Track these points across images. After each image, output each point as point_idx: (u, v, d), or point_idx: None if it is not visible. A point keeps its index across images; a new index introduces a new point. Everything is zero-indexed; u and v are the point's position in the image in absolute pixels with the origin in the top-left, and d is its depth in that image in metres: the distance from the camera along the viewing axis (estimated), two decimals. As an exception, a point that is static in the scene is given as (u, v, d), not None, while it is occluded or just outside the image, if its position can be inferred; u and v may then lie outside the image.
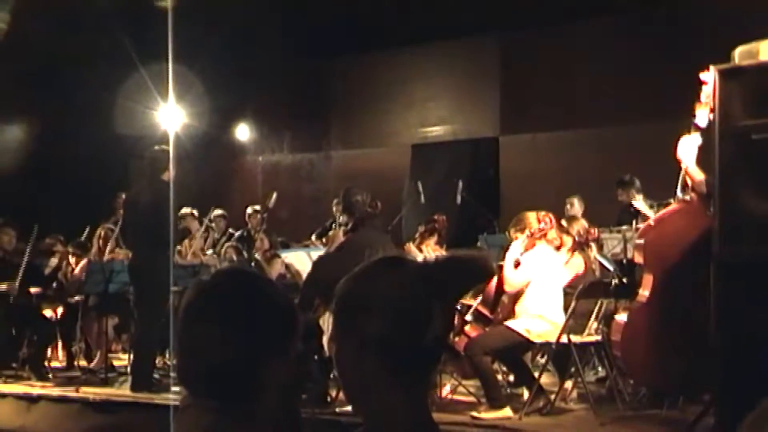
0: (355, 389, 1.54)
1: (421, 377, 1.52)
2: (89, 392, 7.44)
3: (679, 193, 5.53)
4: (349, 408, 6.03)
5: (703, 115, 5.19)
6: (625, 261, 7.26)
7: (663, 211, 5.88)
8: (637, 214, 7.69)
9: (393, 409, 1.49)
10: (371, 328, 1.48)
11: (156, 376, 7.61)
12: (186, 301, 1.72)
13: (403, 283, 1.51)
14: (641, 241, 5.64)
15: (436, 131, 12.83)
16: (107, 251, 9.03)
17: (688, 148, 5.30)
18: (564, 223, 7.04)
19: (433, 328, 1.48)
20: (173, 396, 6.53)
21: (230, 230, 10.72)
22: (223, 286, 1.74)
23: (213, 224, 10.18)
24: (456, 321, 7.14)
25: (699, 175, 5.33)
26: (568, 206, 9.03)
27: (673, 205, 5.67)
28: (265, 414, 1.70)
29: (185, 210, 9.98)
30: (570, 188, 10.42)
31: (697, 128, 5.25)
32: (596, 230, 7.35)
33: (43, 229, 9.60)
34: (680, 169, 5.41)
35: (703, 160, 5.23)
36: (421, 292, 1.49)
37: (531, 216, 6.59)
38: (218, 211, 10.24)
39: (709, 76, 5.18)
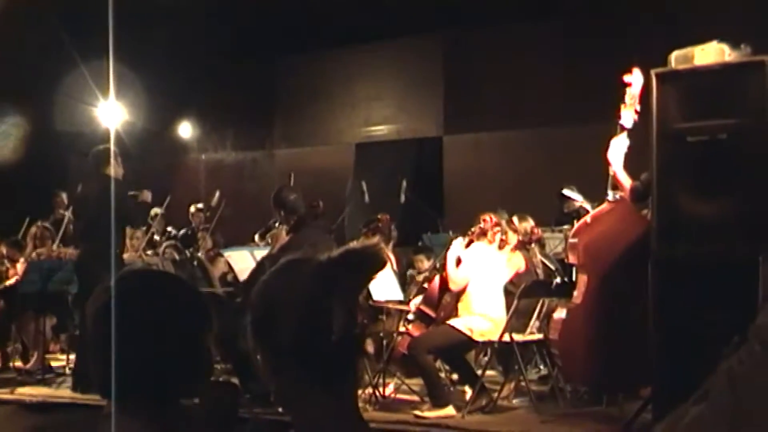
0: (281, 395, 1.54)
1: (341, 377, 1.52)
2: (25, 393, 7.29)
3: (609, 194, 5.63)
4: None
5: (627, 116, 5.32)
6: (566, 260, 7.36)
7: (594, 211, 5.97)
8: (576, 215, 7.79)
9: (319, 411, 1.49)
10: (280, 334, 1.48)
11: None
12: (93, 307, 1.69)
13: (301, 286, 1.50)
14: (575, 241, 5.73)
15: (380, 130, 12.85)
16: (47, 249, 8.85)
17: (616, 150, 5.41)
18: (515, 219, 7.13)
19: (336, 326, 1.47)
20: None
21: (169, 229, 10.61)
22: (127, 288, 1.71)
23: (153, 222, 10.06)
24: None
25: (626, 181, 5.44)
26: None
27: (605, 205, 5.76)
28: (195, 414, 1.69)
29: (157, 210, 9.91)
30: (513, 187, 10.54)
31: (623, 129, 5.38)
32: (539, 230, 7.46)
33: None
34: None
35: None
36: (318, 292, 1.49)
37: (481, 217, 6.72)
38: (156, 210, 10.12)
39: (633, 78, 5.31)
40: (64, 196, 10.74)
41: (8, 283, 8.69)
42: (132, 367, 1.64)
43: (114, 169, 7.46)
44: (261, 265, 6.65)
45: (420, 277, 8.00)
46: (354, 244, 1.60)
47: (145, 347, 1.65)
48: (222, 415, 1.94)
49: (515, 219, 7.19)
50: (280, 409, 6.04)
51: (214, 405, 1.91)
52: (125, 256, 8.41)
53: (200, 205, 11.00)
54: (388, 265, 6.72)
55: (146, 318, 1.67)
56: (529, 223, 7.20)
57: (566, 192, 7.66)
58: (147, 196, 8.85)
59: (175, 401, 1.70)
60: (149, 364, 1.65)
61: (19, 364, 8.69)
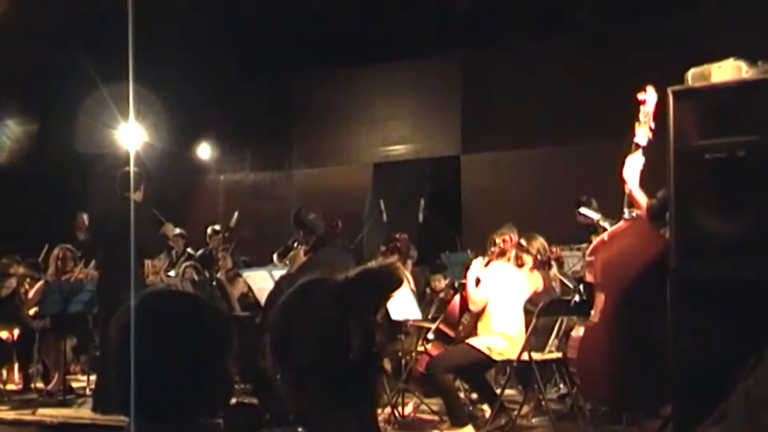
0: (301, 414, 1.55)
1: (360, 395, 1.52)
2: (46, 414, 7.33)
3: (626, 212, 5.61)
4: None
5: (642, 134, 5.32)
6: (584, 278, 7.33)
7: (611, 229, 5.95)
8: (593, 230, 7.77)
9: (339, 430, 1.50)
10: (299, 354, 1.49)
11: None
12: (117, 327, 1.71)
13: (318, 306, 1.51)
14: (591, 259, 5.71)
15: (398, 150, 12.88)
16: (71, 272, 8.91)
17: (631, 168, 5.40)
18: (523, 241, 7.11)
19: (354, 346, 1.48)
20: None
21: (189, 250, 10.66)
22: (151, 307, 1.73)
23: (172, 243, 10.10)
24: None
25: (642, 200, 5.43)
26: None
27: (621, 223, 5.74)
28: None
29: (177, 230, 9.95)
30: (531, 206, 10.52)
31: (638, 147, 5.37)
32: (557, 249, 7.44)
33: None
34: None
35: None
36: (335, 312, 1.50)
37: (497, 237, 6.70)
38: (176, 230, 10.18)
39: (647, 96, 5.31)
40: (86, 217, 10.83)
41: (30, 312, 8.73)
42: (154, 386, 1.66)
43: (137, 194, 7.56)
44: (279, 285, 6.67)
45: (440, 295, 8.01)
46: (370, 264, 1.61)
47: (166, 367, 1.66)
48: None
49: (522, 240, 7.17)
50: (300, 429, 6.07)
51: (236, 426, 1.92)
52: (148, 278, 8.47)
53: (217, 227, 11.04)
54: (406, 283, 6.71)
55: (168, 338, 1.68)
56: (538, 241, 7.17)
57: (583, 210, 7.65)
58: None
59: (195, 421, 1.72)
60: (171, 383, 1.67)
61: (40, 385, 8.74)
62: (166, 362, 1.66)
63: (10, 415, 7.44)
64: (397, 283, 1.57)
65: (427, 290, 8.71)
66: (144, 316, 1.70)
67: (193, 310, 1.75)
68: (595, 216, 7.27)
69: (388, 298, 1.58)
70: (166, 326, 1.70)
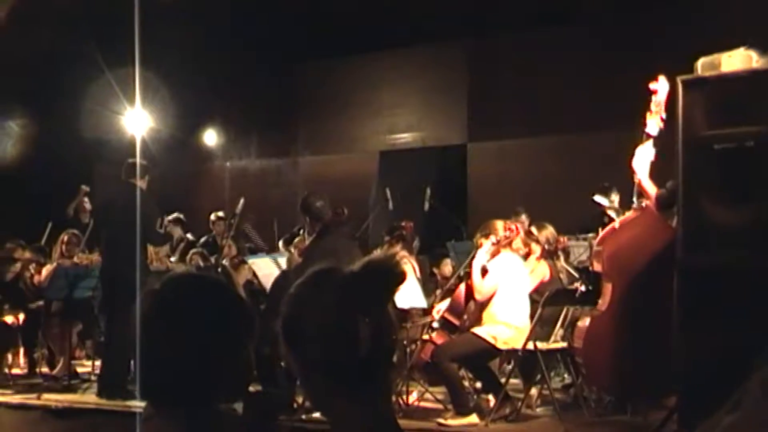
0: (316, 400, 1.55)
1: (374, 386, 1.51)
2: (51, 399, 7.34)
3: (635, 201, 5.59)
4: (315, 415, 6.01)
5: (653, 124, 5.29)
6: (591, 268, 7.31)
7: (620, 219, 5.94)
8: (604, 220, 7.75)
9: (354, 417, 1.49)
10: (309, 348, 1.49)
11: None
12: (141, 310, 1.70)
13: (327, 299, 1.50)
14: (600, 249, 5.69)
15: (404, 138, 12.85)
16: (77, 256, 8.92)
17: (641, 158, 5.37)
18: (534, 230, 7.08)
19: (364, 339, 1.47)
20: (139, 403, 6.45)
21: (188, 236, 10.63)
22: (175, 291, 1.72)
23: (169, 230, 10.09)
24: (421, 329, 7.16)
25: (652, 190, 5.40)
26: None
27: (630, 213, 5.72)
28: (231, 419, 1.70)
29: (173, 216, 9.92)
30: (537, 195, 10.50)
31: (649, 137, 5.34)
32: (564, 238, 7.42)
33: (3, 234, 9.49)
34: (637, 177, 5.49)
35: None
36: (343, 305, 1.49)
37: (498, 224, 6.63)
38: (172, 216, 10.13)
39: (659, 85, 5.28)
40: (86, 200, 10.80)
41: (36, 304, 8.75)
42: (175, 371, 1.65)
43: (141, 182, 7.56)
44: (287, 272, 6.67)
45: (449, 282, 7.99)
46: (374, 256, 1.60)
47: (189, 352, 1.65)
48: (263, 424, 1.95)
49: (533, 229, 7.13)
50: (303, 417, 6.05)
51: (255, 413, 1.92)
52: (152, 264, 8.47)
53: (220, 214, 11.02)
54: (412, 272, 6.67)
55: (192, 322, 1.67)
56: (548, 231, 7.15)
57: (597, 198, 7.63)
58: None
59: (214, 407, 1.71)
60: (193, 369, 1.66)
61: (45, 369, 8.77)
62: (189, 347, 1.65)
63: (15, 399, 7.46)
64: (400, 277, 1.55)
65: (433, 276, 8.69)
66: (169, 301, 1.69)
67: (217, 294, 1.74)
68: (605, 203, 7.24)
69: (394, 290, 1.56)
70: (190, 311, 1.68)
